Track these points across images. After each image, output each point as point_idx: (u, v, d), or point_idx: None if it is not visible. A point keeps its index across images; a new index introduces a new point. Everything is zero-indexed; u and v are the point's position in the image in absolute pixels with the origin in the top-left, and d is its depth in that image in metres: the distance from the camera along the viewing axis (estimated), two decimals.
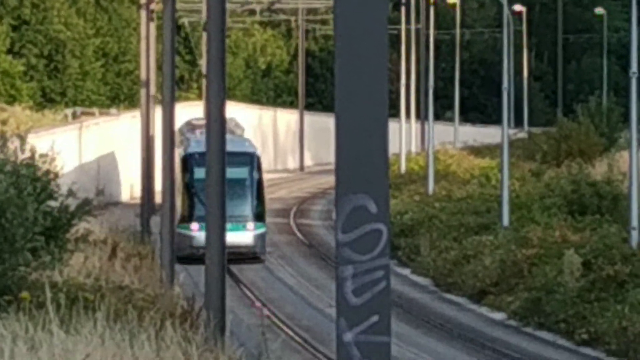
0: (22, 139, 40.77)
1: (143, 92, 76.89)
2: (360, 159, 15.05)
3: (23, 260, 35.78)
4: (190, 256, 44.77)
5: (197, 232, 55.25)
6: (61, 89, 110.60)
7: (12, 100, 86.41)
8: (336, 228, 15.04)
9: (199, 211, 54.19)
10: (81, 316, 30.41)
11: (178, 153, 76.03)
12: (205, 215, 47.09)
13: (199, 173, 54.73)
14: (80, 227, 44.62)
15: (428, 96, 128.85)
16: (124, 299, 39.05)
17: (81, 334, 26.19)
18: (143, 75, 77.71)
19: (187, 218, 56.74)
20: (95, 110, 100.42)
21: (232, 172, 50.71)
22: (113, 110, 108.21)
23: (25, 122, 70.61)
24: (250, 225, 55.78)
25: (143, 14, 75.41)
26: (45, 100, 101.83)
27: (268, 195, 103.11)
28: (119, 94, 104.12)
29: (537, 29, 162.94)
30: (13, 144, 40.43)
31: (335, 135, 15.38)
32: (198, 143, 63.91)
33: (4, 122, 42.20)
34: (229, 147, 51.57)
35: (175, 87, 54.23)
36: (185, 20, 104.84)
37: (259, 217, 56.22)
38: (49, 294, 31.33)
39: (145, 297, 41.27)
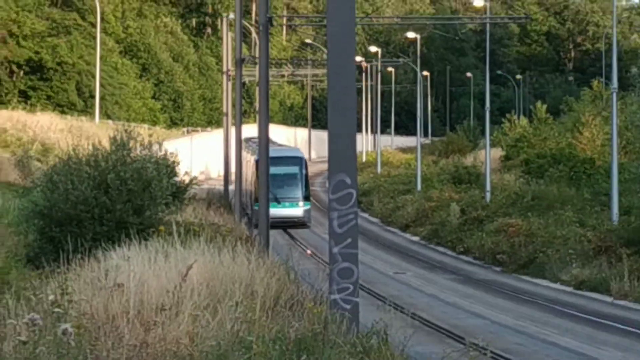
0: (160, 144, 50.54)
1: (224, 119, 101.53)
2: (341, 154, 26.06)
3: (160, 209, 44.38)
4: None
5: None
6: (180, 117, 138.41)
7: (154, 124, 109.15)
8: (328, 192, 27.89)
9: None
10: (192, 240, 34.86)
11: (246, 155, 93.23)
12: (272, 197, 58.81)
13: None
14: (191, 192, 58.92)
15: (377, 120, 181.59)
16: (215, 230, 45.77)
17: (192, 249, 32.09)
18: (224, 110, 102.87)
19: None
20: (199, 129, 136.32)
21: (289, 169, 68.86)
22: (208, 129, 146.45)
23: (161, 135, 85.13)
24: (301, 203, 70.62)
25: (224, 76, 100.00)
26: (172, 124, 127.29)
27: None
28: (212, 120, 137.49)
29: (435, 83, 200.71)
30: (156, 147, 49.15)
31: (328, 142, 27.40)
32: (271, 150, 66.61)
33: (151, 135, 49.33)
34: (287, 154, 74.02)
35: (242, 117, 76.22)
36: (246, 80, 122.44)
37: (306, 198, 71.17)
38: (174, 228, 35.87)
39: (226, 229, 48.82)
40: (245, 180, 77.96)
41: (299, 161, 71.55)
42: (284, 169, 65.77)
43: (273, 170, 57.00)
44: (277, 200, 64.70)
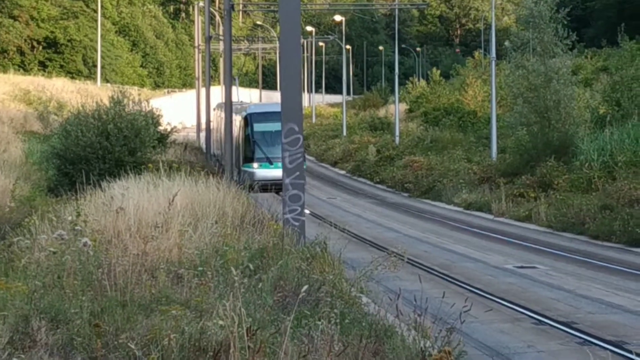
0: (147, 102, 51.33)
1: (196, 82, 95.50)
2: (290, 108, 26.11)
3: (149, 151, 44.75)
4: (251, 185, 39.72)
5: (257, 169, 53.46)
6: (162, 82, 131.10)
7: (142, 86, 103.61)
8: (282, 137, 27.18)
9: (258, 154, 53.40)
10: (174, 174, 33.59)
11: (218, 114, 77.06)
12: (262, 157, 49.57)
13: (258, 127, 52.92)
14: (172, 138, 60.14)
15: (312, 83, 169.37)
16: (191, 167, 42.32)
17: (175, 181, 31.14)
18: (196, 75, 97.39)
19: (250, 160, 54.09)
20: (177, 90, 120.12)
21: (279, 125, 44.38)
22: (184, 90, 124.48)
23: (148, 95, 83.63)
24: None
25: (196, 50, 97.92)
26: (156, 86, 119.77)
27: None
28: (186, 83, 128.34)
29: (355, 55, 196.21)
30: (144, 104, 48.84)
31: (281, 99, 27.37)
32: (256, 106, 64.40)
33: (139, 95, 50.03)
34: (278, 109, 47.79)
35: (210, 80, 74.53)
36: (213, 52, 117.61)
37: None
38: (160, 165, 36.07)
39: (199, 166, 47.46)
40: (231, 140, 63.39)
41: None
42: (276, 125, 47.86)
43: (264, 127, 51.30)
44: (269, 161, 53.27)
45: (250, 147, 54.25)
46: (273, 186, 45.84)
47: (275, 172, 48.66)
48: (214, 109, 78.39)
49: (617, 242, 34.00)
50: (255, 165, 52.78)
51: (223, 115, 62.31)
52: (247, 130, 52.92)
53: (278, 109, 47.94)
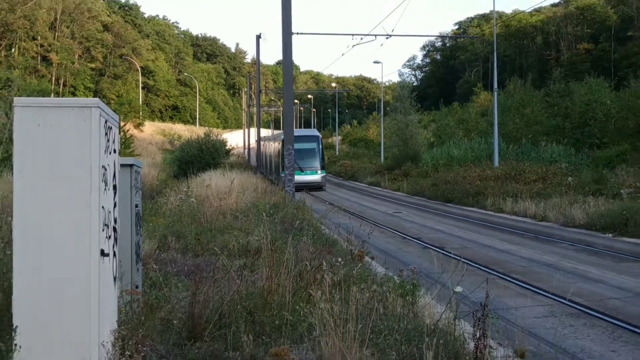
0: (220, 135, 50.68)
1: (244, 127, 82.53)
2: (289, 138, 25.62)
3: (222, 158, 42.79)
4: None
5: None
6: (227, 125, 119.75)
7: (217, 127, 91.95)
8: (284, 152, 26.03)
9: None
10: (233, 169, 35.46)
11: (270, 143, 58.37)
12: (296, 167, 37.52)
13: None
14: (232, 152, 55.18)
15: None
16: (241, 166, 45.27)
17: (233, 172, 30.77)
18: (244, 122, 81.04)
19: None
20: (234, 130, 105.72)
21: (309, 145, 45.30)
22: (237, 130, 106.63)
23: (219, 132, 76.16)
24: (319, 171, 46.12)
25: (244, 112, 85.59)
26: (224, 128, 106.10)
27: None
28: (239, 126, 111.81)
29: (318, 113, 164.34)
30: (218, 136, 48.02)
31: (283, 134, 26.81)
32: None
33: (217, 133, 47.77)
34: (307, 133, 49.00)
35: (250, 125, 65.35)
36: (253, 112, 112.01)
37: (322, 167, 46.52)
38: (227, 165, 38.09)
39: (245, 167, 47.98)
40: (270, 156, 55.11)
41: (316, 139, 49.72)
42: (305, 145, 47.21)
43: (297, 146, 39.04)
44: (301, 169, 45.39)
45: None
46: (303, 187, 39.11)
47: (304, 177, 43.13)
48: (256, 141, 64.89)
49: (440, 201, 33.86)
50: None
51: (263, 143, 57.25)
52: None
53: (305, 133, 49.67)
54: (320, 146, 47.05)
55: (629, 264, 15.12)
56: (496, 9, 47.82)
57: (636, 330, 9.36)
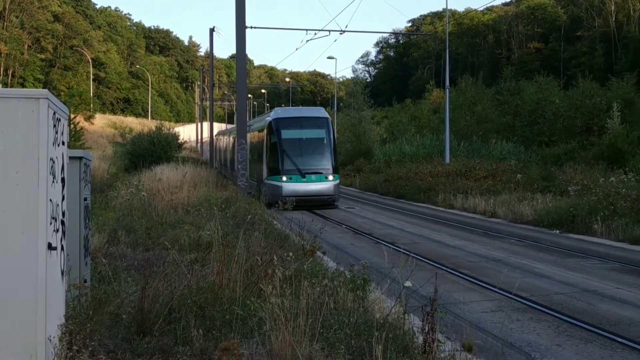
0: (172, 128, 48.11)
1: (196, 120, 77.83)
2: (242, 132, 25.32)
3: (173, 152, 40.89)
4: (279, 201, 17.75)
5: (285, 183, 29.81)
6: (179, 119, 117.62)
7: (169, 121, 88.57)
8: (236, 146, 25.75)
9: (287, 166, 30.43)
10: (186, 163, 35.12)
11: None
12: (291, 169, 28.76)
13: (286, 134, 31.32)
14: (184, 145, 53.08)
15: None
16: (194, 160, 44.35)
17: (186, 166, 31.07)
18: (196, 116, 78.94)
19: (276, 171, 30.47)
20: (186, 123, 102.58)
21: (314, 133, 31.32)
22: (190, 124, 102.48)
23: (172, 126, 72.67)
24: (330, 177, 30.82)
25: (197, 106, 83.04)
26: (176, 121, 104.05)
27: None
28: (191, 120, 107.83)
29: (271, 109, 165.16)
30: (170, 130, 46.65)
31: (236, 127, 26.69)
32: (282, 111, 35.21)
33: (168, 126, 45.93)
34: (310, 113, 33.07)
35: (202, 118, 63.15)
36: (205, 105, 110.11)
37: (336, 169, 31.28)
38: (180, 159, 37.81)
39: (198, 160, 46.69)
40: (225, 151, 45.76)
41: (324, 123, 32.39)
42: (308, 132, 31.94)
43: (295, 134, 30.82)
44: (301, 173, 30.46)
45: (276, 157, 30.21)
46: (305, 203, 26.73)
47: (308, 186, 28.94)
48: (216, 136, 55.36)
49: (392, 196, 34.00)
50: (283, 178, 29.71)
51: (225, 138, 46.98)
52: (273, 138, 30.73)
53: (307, 113, 32.45)
54: (332, 135, 31.19)
55: (575, 259, 15.37)
56: (449, 7, 48.32)
57: (580, 324, 9.50)
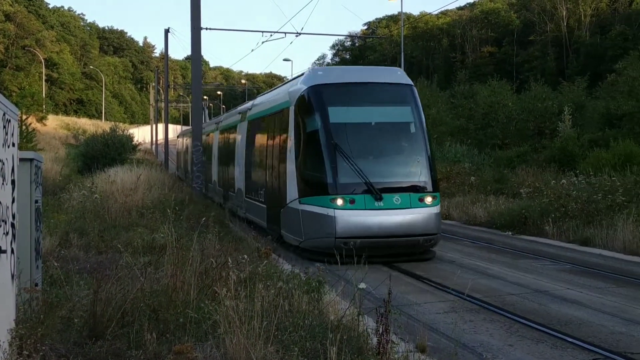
0: (126, 130, 47.09)
1: (151, 122, 76.85)
2: (197, 133, 25.07)
3: (128, 154, 40.10)
4: (331, 249, 11.58)
5: (343, 209, 12.51)
6: (134, 121, 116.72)
7: (124, 123, 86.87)
8: (191, 148, 25.21)
9: (346, 176, 12.99)
10: (140, 165, 32.11)
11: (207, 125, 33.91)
12: (354, 182, 14.32)
13: (337, 115, 13.85)
14: (139, 147, 52.11)
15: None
16: (149, 162, 43.84)
17: (141, 168, 28.15)
18: (151, 118, 79.38)
19: (321, 188, 12.87)
20: (141, 125, 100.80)
21: (391, 113, 15.63)
22: (145, 125, 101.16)
23: (127, 127, 70.88)
24: (429, 198, 13.50)
25: (152, 107, 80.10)
26: (131, 123, 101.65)
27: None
28: (146, 122, 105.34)
29: (228, 110, 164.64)
30: (125, 131, 45.93)
31: (192, 130, 25.90)
32: (325, 72, 16.77)
33: (123, 127, 44.66)
34: (376, 77, 16.89)
35: (158, 120, 62.34)
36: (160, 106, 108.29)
37: (435, 183, 13.93)
38: (134, 161, 37.01)
39: (154, 162, 45.91)
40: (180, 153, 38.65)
41: (408, 94, 15.36)
42: (381, 112, 14.94)
43: (356, 114, 15.48)
44: (374, 191, 13.27)
45: (318, 160, 14.78)
46: (384, 250, 14.55)
47: (390, 217, 14.54)
48: (179, 137, 47.90)
49: None
50: (338, 201, 14.20)
51: (187, 140, 40.79)
52: (311, 123, 15.41)
53: (375, 76, 17.05)
54: (422, 117, 16.47)
55: (527, 260, 15.60)
56: (404, 11, 48.50)
57: (532, 325, 9.60)
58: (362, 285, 6.96)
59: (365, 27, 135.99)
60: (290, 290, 8.13)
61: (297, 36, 36.18)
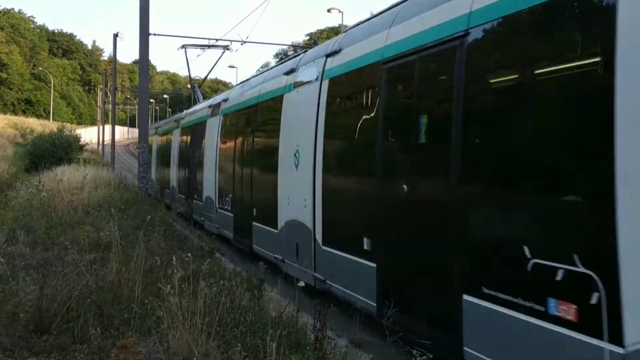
0: (74, 130, 46.20)
1: (98, 123, 75.23)
2: (143, 136, 24.62)
3: (75, 153, 38.49)
4: None
5: None
6: (81, 121, 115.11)
7: (72, 123, 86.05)
8: (138, 149, 24.59)
9: None
10: (87, 164, 32.56)
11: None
12: None
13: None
14: (86, 147, 49.87)
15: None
16: (95, 161, 43.11)
17: (87, 167, 28.70)
18: (98, 119, 74.32)
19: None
20: (89, 126, 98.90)
21: None
22: (92, 126, 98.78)
23: (74, 128, 69.18)
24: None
25: (99, 109, 78.29)
26: (78, 123, 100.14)
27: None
28: (94, 122, 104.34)
29: (174, 112, 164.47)
30: (72, 132, 45.03)
31: (138, 132, 24.62)
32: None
33: (70, 128, 43.67)
34: None
35: (104, 122, 60.38)
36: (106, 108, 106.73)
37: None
38: (81, 160, 35.95)
39: (100, 162, 45.09)
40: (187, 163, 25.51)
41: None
42: None
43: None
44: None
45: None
46: None
47: None
48: (158, 134, 35.12)
49: None
50: None
51: (166, 137, 31.50)
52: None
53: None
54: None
55: None
56: (344, 23, 48.79)
57: None
58: (301, 284, 7.00)
59: (307, 37, 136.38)
60: (232, 287, 8.06)
61: (242, 44, 35.73)
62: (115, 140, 56.50)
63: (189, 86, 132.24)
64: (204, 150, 20.60)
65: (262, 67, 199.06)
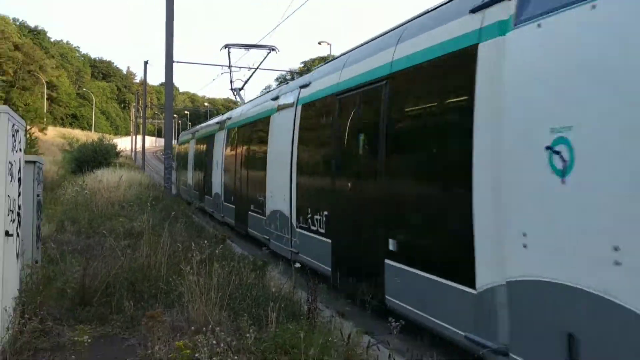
0: (111, 140, 45.65)
1: (132, 134, 74.82)
2: (168, 144, 24.36)
3: (113, 158, 37.74)
4: None
5: None
6: (117, 132, 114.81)
7: (109, 134, 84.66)
8: (165, 157, 24.23)
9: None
10: (122, 167, 32.82)
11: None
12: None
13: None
14: (122, 154, 50.07)
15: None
16: (130, 165, 42.70)
17: (122, 170, 28.37)
18: (132, 131, 74.32)
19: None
20: (124, 136, 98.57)
21: None
22: (127, 136, 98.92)
23: (111, 137, 68.73)
24: None
25: (132, 123, 77.83)
26: (115, 134, 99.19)
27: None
28: (127, 133, 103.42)
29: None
30: (111, 141, 44.81)
31: (164, 142, 23.85)
32: None
33: (109, 138, 43.10)
34: None
35: (137, 132, 59.12)
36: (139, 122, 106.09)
37: None
38: (117, 164, 35.25)
39: (133, 165, 44.42)
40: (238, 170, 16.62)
41: None
42: None
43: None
44: None
45: None
46: None
47: None
48: (179, 143, 37.03)
49: None
50: None
51: (195, 146, 27.82)
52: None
53: None
54: None
55: None
56: (332, 53, 48.74)
57: None
58: (297, 265, 7.01)
59: (302, 64, 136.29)
60: (240, 268, 8.06)
61: (254, 72, 35.55)
62: (145, 147, 56.24)
63: (206, 104, 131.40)
64: (212, 156, 21.51)
65: (265, 88, 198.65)
